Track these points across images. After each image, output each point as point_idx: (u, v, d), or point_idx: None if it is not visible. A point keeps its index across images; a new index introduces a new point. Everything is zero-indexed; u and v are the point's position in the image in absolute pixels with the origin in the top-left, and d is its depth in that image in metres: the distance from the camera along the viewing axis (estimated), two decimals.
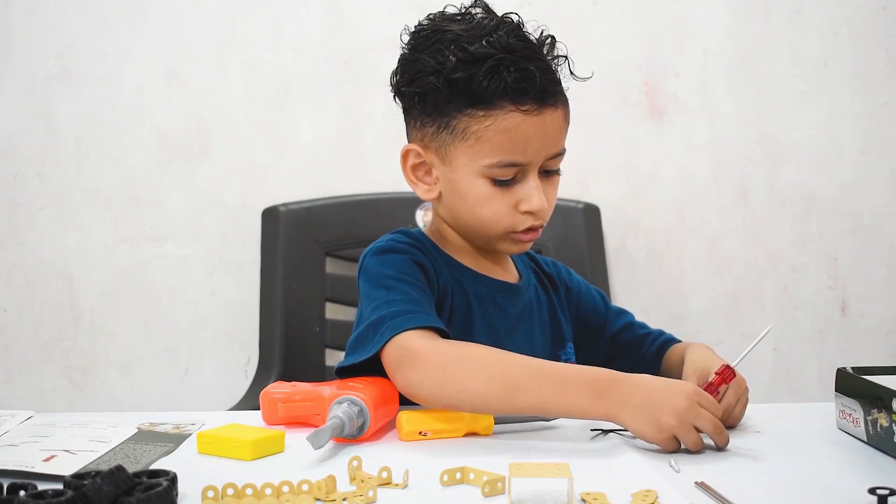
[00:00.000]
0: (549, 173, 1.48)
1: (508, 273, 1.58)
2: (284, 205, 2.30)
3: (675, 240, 2.41)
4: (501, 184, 1.44)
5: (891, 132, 2.40)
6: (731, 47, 2.38)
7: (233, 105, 2.32)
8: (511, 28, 1.45)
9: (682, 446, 1.26)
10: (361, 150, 2.35)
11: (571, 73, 1.49)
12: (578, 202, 2.33)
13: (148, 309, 2.34)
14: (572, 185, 2.36)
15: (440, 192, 1.49)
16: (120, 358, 2.34)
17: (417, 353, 1.33)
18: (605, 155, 2.38)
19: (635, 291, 2.41)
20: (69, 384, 2.33)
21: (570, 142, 2.38)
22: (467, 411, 1.32)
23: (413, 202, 2.25)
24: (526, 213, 1.45)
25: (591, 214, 2.34)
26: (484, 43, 1.41)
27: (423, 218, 2.26)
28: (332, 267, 2.30)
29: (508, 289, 1.55)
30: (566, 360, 1.60)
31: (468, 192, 1.45)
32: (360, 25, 2.34)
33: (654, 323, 2.45)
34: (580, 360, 1.63)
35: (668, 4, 2.37)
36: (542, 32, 1.47)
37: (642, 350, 1.65)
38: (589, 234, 2.32)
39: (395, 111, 1.54)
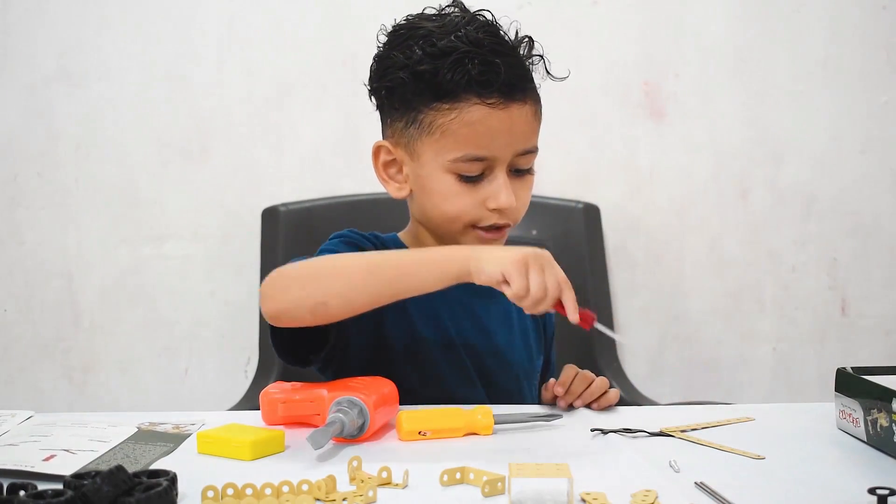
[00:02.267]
0: (520, 172, 1.46)
1: None
2: (284, 205, 2.30)
3: (675, 240, 2.41)
4: (468, 180, 1.43)
5: (891, 132, 2.40)
6: (731, 47, 2.38)
7: (233, 105, 2.33)
8: (481, 24, 1.45)
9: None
10: (361, 150, 2.34)
11: (548, 72, 1.48)
12: (578, 202, 2.34)
13: (148, 309, 2.34)
14: (572, 185, 2.36)
15: (410, 190, 1.48)
16: (120, 358, 2.34)
17: (276, 272, 1.35)
18: (605, 155, 2.38)
19: (635, 291, 2.41)
20: (69, 384, 2.33)
21: (571, 142, 2.39)
22: (334, 307, 1.31)
23: None
24: (493, 210, 1.44)
25: (591, 214, 2.34)
26: (452, 38, 1.41)
27: None
28: None
29: (481, 292, 1.51)
30: (535, 371, 1.58)
31: (434, 188, 1.44)
32: (360, 25, 2.34)
33: (653, 323, 2.47)
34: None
35: (668, 4, 2.37)
36: (517, 32, 1.47)
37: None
38: (589, 234, 2.32)
39: None
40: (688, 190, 2.41)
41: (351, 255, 1.37)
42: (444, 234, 1.50)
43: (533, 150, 1.46)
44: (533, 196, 2.10)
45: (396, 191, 1.50)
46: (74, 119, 2.30)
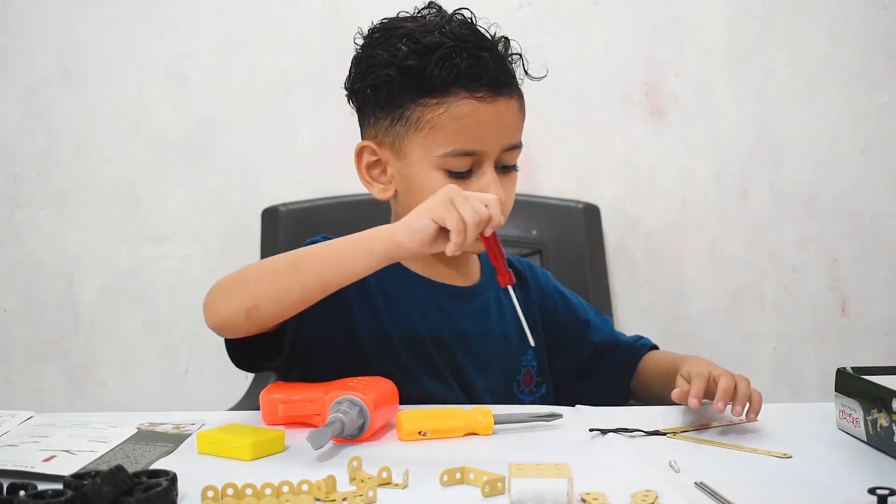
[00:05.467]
0: (506, 169, 1.46)
1: (465, 276, 1.54)
2: (284, 205, 2.30)
3: (675, 240, 2.41)
4: (457, 176, 1.42)
5: (891, 132, 2.40)
6: (731, 47, 2.38)
7: (233, 105, 2.32)
8: (463, 21, 1.46)
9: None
10: None
11: (526, 72, 1.48)
12: (578, 202, 2.33)
13: (148, 309, 2.34)
14: (572, 185, 2.36)
15: (395, 191, 1.48)
16: (120, 358, 2.34)
17: (214, 284, 1.37)
18: (605, 155, 2.38)
19: (635, 291, 2.41)
20: (69, 384, 2.33)
21: (571, 142, 2.39)
22: (267, 309, 1.32)
23: None
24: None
25: (591, 214, 2.34)
26: (436, 34, 1.42)
27: None
28: None
29: (457, 293, 1.52)
30: (525, 367, 1.56)
31: (423, 186, 1.43)
32: (361, 25, 2.33)
33: (654, 323, 2.46)
34: (557, 366, 1.61)
35: (668, 4, 2.37)
36: (495, 33, 1.47)
37: (609, 367, 1.62)
38: (589, 234, 2.32)
39: None
40: (688, 190, 2.41)
41: (278, 255, 1.36)
42: None
43: (518, 146, 1.47)
44: (533, 196, 2.13)
45: (381, 192, 1.49)
46: (74, 119, 2.30)
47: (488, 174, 1.43)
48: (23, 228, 2.31)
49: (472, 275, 1.56)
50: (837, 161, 2.40)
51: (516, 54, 1.48)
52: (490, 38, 1.46)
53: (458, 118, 1.41)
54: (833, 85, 2.39)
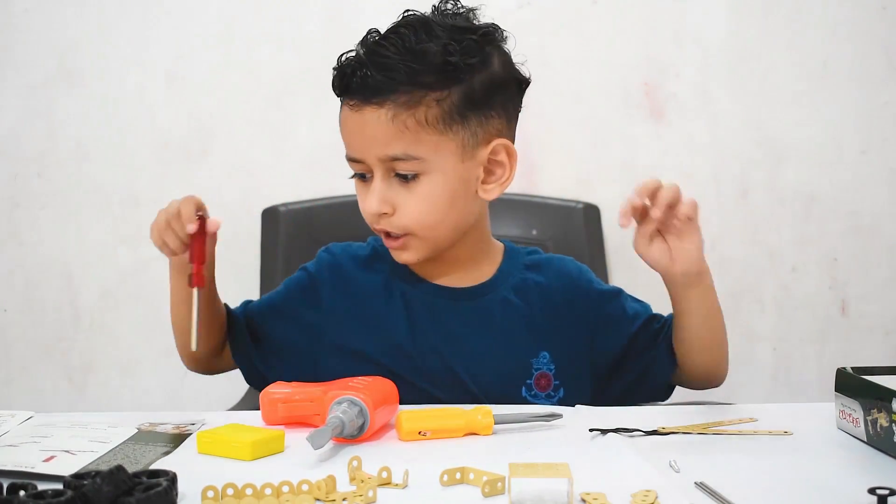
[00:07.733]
0: (404, 178, 1.45)
1: (474, 276, 1.53)
2: (284, 205, 2.30)
3: None
4: (362, 179, 1.50)
5: (891, 132, 2.40)
6: (731, 47, 2.38)
7: (233, 105, 2.32)
8: (401, 23, 1.49)
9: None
10: None
11: (464, 66, 1.44)
12: (578, 202, 2.34)
13: (148, 309, 2.34)
14: (572, 185, 2.36)
15: None
16: (120, 358, 2.34)
17: None
18: (605, 155, 2.38)
19: (635, 291, 2.39)
20: (69, 384, 2.33)
21: (571, 142, 2.40)
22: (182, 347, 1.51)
23: None
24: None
25: (591, 214, 2.34)
26: (367, 39, 1.49)
27: None
28: None
29: (454, 294, 1.51)
30: (538, 370, 1.52)
31: None
32: (360, 25, 2.33)
33: None
34: (595, 359, 1.58)
35: (668, 4, 2.37)
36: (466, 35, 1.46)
37: (655, 345, 1.61)
38: (589, 234, 2.32)
39: None
40: (688, 190, 2.38)
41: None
42: None
43: (404, 158, 1.43)
44: (533, 196, 2.12)
45: None
46: (74, 119, 2.30)
47: (370, 182, 1.47)
48: (23, 228, 2.31)
49: (482, 275, 1.54)
50: (837, 161, 2.40)
51: (474, 58, 1.44)
52: (399, 42, 1.45)
53: (340, 123, 1.51)
54: (833, 85, 2.39)
